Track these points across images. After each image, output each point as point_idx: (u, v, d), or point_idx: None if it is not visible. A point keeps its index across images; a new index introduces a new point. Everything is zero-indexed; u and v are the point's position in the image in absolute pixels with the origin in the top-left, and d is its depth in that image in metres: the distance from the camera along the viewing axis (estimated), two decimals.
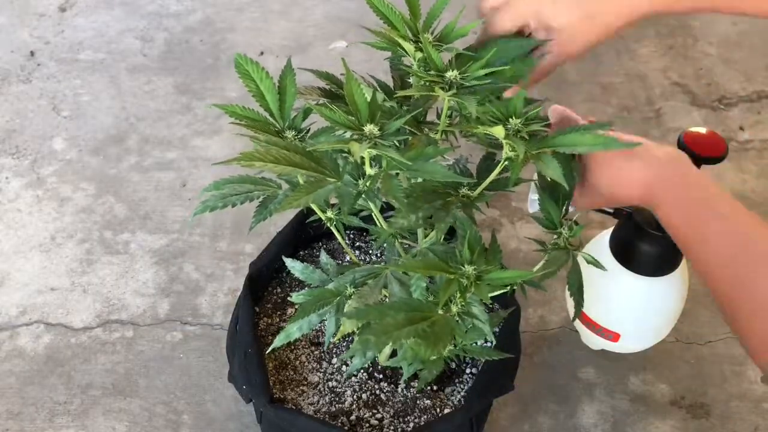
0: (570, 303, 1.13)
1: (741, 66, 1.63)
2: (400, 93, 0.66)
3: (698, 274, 0.66)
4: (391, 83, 0.75)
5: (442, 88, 0.63)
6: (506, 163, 0.66)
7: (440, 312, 0.65)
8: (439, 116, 0.69)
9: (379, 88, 0.72)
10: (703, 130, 0.91)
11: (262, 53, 1.62)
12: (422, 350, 0.63)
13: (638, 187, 0.69)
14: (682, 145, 0.90)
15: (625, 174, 0.69)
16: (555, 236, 0.70)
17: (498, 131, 0.62)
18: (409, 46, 0.67)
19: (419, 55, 0.66)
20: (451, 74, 0.64)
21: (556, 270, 0.68)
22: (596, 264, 0.70)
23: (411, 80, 0.73)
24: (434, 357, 0.74)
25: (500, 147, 0.67)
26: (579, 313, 0.70)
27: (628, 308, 1.03)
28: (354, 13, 1.69)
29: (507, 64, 0.68)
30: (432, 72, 0.64)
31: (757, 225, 0.64)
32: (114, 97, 1.52)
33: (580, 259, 0.74)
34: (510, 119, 0.63)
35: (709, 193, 0.67)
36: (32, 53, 1.61)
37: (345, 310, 0.75)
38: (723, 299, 0.64)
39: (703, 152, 0.88)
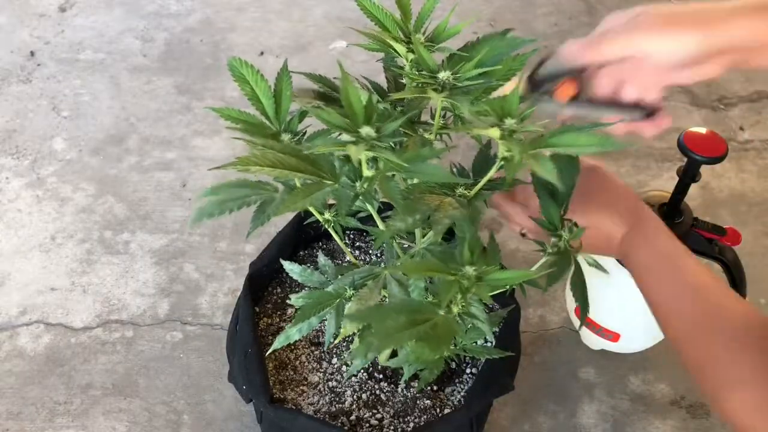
0: (570, 304, 1.13)
1: None
2: (394, 95, 0.66)
3: (663, 329, 0.68)
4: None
5: (435, 90, 0.63)
6: (502, 163, 0.66)
7: (441, 313, 0.65)
8: (433, 116, 0.69)
9: (373, 90, 0.72)
10: (703, 130, 0.91)
11: (262, 53, 1.62)
12: (425, 352, 0.63)
13: (625, 216, 0.71)
14: (682, 145, 0.90)
15: (618, 202, 0.71)
16: (555, 238, 0.69)
17: (493, 133, 0.61)
18: (400, 48, 0.66)
19: (411, 56, 0.66)
20: (443, 75, 0.64)
21: (562, 275, 0.68)
22: (598, 267, 0.70)
23: (404, 81, 0.73)
24: (436, 358, 0.74)
25: None
26: (584, 320, 0.70)
27: (628, 308, 1.03)
28: (354, 12, 1.69)
29: (499, 63, 0.68)
30: (424, 73, 0.64)
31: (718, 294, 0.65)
32: (114, 97, 1.52)
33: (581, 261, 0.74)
34: (505, 119, 0.63)
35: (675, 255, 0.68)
36: (32, 53, 1.61)
37: (346, 312, 0.75)
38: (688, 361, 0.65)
39: (703, 152, 0.88)
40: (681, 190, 0.95)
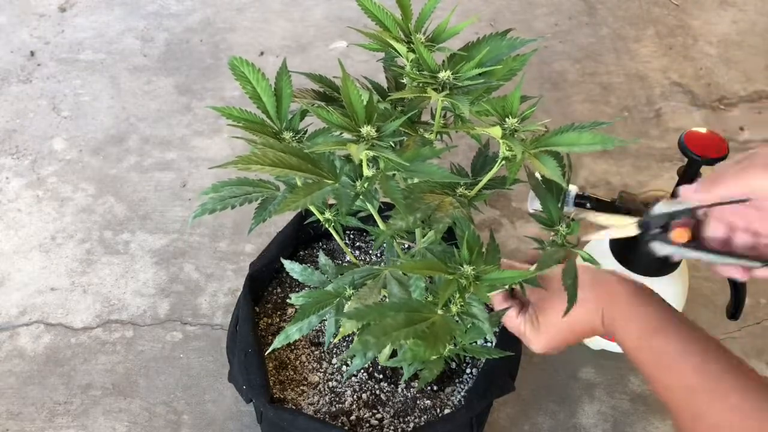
0: None
1: (741, 66, 1.63)
2: (394, 95, 0.66)
3: (653, 389, 0.66)
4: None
5: (435, 89, 0.63)
6: (503, 162, 0.66)
7: (439, 312, 0.65)
8: (433, 116, 0.69)
9: (373, 90, 0.72)
10: (703, 130, 0.91)
11: (262, 53, 1.62)
12: (422, 351, 0.63)
13: (595, 303, 0.70)
14: (682, 146, 0.90)
15: (580, 295, 0.69)
16: (552, 234, 0.69)
17: (495, 132, 0.62)
18: (401, 47, 0.67)
19: (411, 56, 0.66)
20: (443, 75, 0.64)
21: (552, 263, 0.68)
22: (592, 261, 0.70)
23: (405, 81, 0.73)
24: (434, 357, 0.74)
25: None
26: (571, 309, 0.70)
27: None
28: (354, 12, 1.69)
29: (499, 63, 0.68)
30: (425, 73, 0.64)
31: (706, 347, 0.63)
32: (114, 97, 1.52)
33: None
34: (506, 119, 0.63)
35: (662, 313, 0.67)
36: (32, 53, 1.61)
37: (345, 311, 0.75)
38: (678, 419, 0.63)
39: (703, 152, 0.88)
40: None
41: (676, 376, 0.62)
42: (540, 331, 0.73)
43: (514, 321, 0.76)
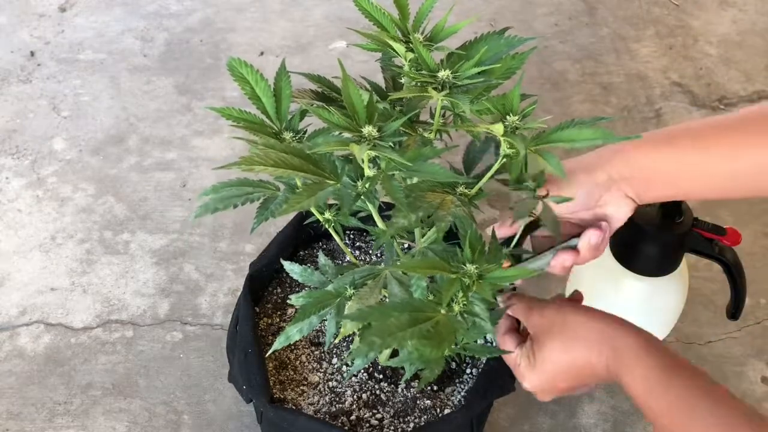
0: (569, 289, 1.12)
1: (741, 66, 1.63)
2: (394, 95, 0.66)
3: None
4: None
5: (435, 89, 0.63)
6: (504, 160, 0.66)
7: (443, 312, 0.65)
8: (431, 116, 0.69)
9: (372, 90, 0.72)
10: None
11: (262, 53, 1.62)
12: (427, 351, 0.63)
13: (598, 343, 0.69)
14: None
15: (582, 332, 0.70)
16: (520, 191, 0.69)
17: (497, 129, 0.62)
18: (399, 47, 0.67)
19: (410, 55, 0.66)
20: (443, 74, 0.64)
21: (527, 214, 0.68)
22: (564, 199, 0.69)
23: (403, 81, 0.73)
24: (438, 357, 0.74)
25: None
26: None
27: (629, 308, 1.03)
28: (354, 12, 1.69)
29: (498, 62, 0.68)
30: (424, 72, 0.64)
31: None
32: (114, 97, 1.52)
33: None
34: (507, 116, 0.63)
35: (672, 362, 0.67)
36: (32, 53, 1.61)
37: (346, 312, 0.75)
38: None
39: None
40: None
41: (684, 424, 0.63)
42: (534, 368, 0.72)
43: (511, 354, 0.75)
